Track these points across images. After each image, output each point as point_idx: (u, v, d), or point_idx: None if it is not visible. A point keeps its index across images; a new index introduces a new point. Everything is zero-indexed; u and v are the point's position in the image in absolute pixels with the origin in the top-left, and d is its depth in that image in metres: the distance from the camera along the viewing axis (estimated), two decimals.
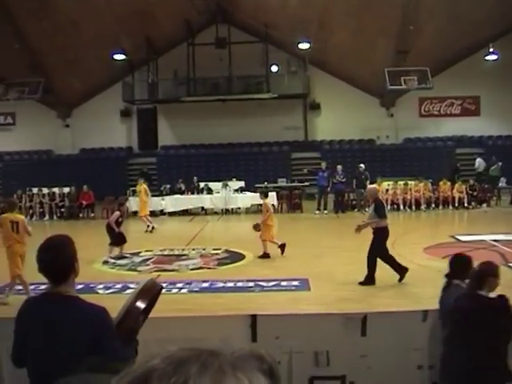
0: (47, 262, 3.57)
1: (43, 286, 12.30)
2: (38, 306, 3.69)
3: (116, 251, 16.15)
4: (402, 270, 12.10)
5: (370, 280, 12.04)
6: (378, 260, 12.05)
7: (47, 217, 28.28)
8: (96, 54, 29.68)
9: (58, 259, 3.59)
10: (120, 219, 16.56)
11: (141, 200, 23.57)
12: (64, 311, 3.54)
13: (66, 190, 28.78)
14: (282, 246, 15.79)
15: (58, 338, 3.48)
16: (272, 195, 27.44)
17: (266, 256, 15.54)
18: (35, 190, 29.06)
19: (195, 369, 0.92)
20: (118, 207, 17.56)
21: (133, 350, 3.74)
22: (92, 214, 27.54)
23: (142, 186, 23.84)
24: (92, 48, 29.29)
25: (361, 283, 12.04)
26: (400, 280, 12.07)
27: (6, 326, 6.05)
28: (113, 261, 15.50)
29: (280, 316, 7.11)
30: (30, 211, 28.50)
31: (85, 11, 27.76)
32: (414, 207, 26.98)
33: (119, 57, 31.04)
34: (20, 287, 12.05)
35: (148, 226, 22.45)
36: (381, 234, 12.07)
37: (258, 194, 27.57)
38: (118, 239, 16.21)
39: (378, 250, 12.02)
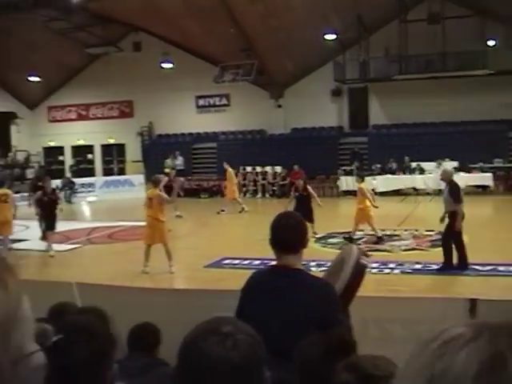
0: (283, 231, 3.67)
1: (245, 262, 12.70)
2: (266, 278, 3.77)
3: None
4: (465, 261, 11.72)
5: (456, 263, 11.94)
6: None
7: (260, 195, 29.12)
8: (307, 35, 29.89)
9: (295, 228, 3.68)
10: None
11: (230, 184, 24.40)
12: (293, 284, 3.59)
13: (278, 168, 29.43)
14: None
15: (286, 310, 3.52)
16: (488, 176, 26.44)
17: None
18: (249, 169, 30.01)
19: None
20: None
21: (348, 320, 3.79)
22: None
23: (228, 171, 24.67)
24: (303, 29, 29.51)
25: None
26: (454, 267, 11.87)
27: (225, 298, 6.23)
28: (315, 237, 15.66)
29: (502, 302, 6.77)
30: (244, 189, 29.52)
31: None
32: None
33: (330, 36, 31.04)
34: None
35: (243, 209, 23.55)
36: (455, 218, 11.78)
37: (472, 175, 26.87)
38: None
39: (452, 234, 11.82)
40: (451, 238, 11.80)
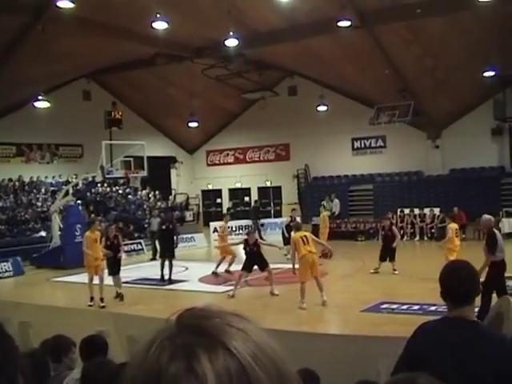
0: (458, 282, 3.49)
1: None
2: (442, 330, 3.56)
3: None
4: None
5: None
6: None
7: (417, 237, 28.46)
8: (465, 74, 29.14)
9: (470, 279, 3.54)
10: None
11: (323, 227, 24.80)
12: (474, 337, 3.38)
13: (437, 210, 28.69)
14: None
15: (469, 365, 3.26)
16: None
17: None
18: (406, 211, 29.43)
19: None
20: None
21: None
22: (463, 236, 27.15)
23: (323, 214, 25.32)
24: (461, 67, 28.86)
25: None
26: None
27: (385, 343, 6.04)
28: None
29: None
30: (401, 231, 28.95)
31: (453, 31, 27.41)
32: None
33: (490, 74, 29.97)
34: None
35: None
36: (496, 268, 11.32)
37: None
38: None
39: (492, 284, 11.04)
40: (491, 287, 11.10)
